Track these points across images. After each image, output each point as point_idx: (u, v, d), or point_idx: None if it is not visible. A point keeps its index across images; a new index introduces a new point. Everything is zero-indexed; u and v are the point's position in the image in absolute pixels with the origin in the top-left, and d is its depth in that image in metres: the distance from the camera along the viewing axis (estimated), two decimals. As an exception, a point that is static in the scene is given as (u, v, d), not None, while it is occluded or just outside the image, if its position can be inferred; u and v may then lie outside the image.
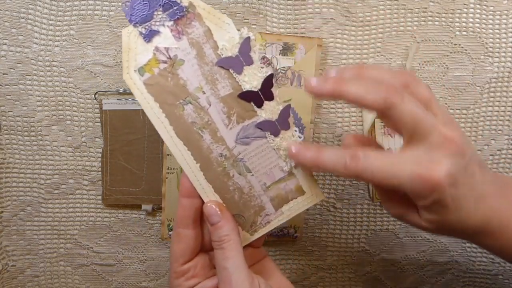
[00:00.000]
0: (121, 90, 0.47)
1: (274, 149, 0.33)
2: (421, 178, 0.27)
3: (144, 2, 0.31)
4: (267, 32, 0.46)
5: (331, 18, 0.47)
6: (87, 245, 0.49)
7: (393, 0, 0.47)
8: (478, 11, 0.47)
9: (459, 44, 0.47)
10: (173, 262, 0.32)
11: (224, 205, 0.33)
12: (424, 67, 0.48)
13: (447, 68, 0.48)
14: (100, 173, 0.48)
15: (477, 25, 0.47)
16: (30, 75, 0.46)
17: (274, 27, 0.47)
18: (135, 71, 0.31)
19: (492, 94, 0.48)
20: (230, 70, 0.31)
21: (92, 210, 0.49)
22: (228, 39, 0.31)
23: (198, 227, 0.33)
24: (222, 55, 0.31)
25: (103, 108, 0.46)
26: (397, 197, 0.32)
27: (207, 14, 0.31)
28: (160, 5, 0.31)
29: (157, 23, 0.31)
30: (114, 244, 0.49)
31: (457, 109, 0.48)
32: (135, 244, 0.50)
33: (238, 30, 0.30)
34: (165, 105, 0.31)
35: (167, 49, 0.31)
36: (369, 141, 0.34)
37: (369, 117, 0.47)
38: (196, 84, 0.31)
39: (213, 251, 0.32)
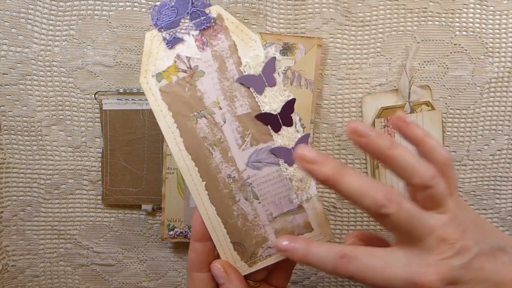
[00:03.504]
0: (121, 90, 0.47)
1: (286, 178, 0.31)
2: (413, 285, 0.26)
3: (172, 8, 0.30)
4: (267, 32, 0.46)
5: (331, 18, 0.47)
6: (87, 245, 0.49)
7: (393, 0, 0.47)
8: (478, 11, 0.47)
9: (459, 44, 0.47)
10: None
11: (232, 265, 0.31)
12: (424, 67, 0.48)
13: (447, 68, 0.48)
14: (100, 173, 0.48)
15: (477, 25, 0.47)
16: (30, 75, 0.46)
17: (274, 27, 0.47)
18: (152, 76, 0.30)
19: (492, 94, 0.48)
20: (251, 88, 0.30)
21: (92, 210, 0.49)
22: (252, 56, 0.30)
23: None
24: (245, 72, 0.30)
25: (103, 108, 0.46)
26: None
27: (234, 28, 0.30)
28: (188, 13, 0.30)
29: (182, 31, 0.30)
30: (114, 244, 0.49)
31: (457, 109, 0.48)
32: (135, 244, 0.50)
33: (265, 49, 0.30)
34: (178, 116, 0.30)
35: (188, 58, 0.30)
36: (372, 239, 0.33)
37: (369, 117, 0.47)
38: (214, 98, 0.30)
39: None
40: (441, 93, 0.48)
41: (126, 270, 0.50)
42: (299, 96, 0.45)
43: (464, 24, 0.47)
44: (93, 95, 0.47)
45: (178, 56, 0.30)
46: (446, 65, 0.48)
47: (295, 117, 0.31)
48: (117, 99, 0.47)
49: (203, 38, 0.30)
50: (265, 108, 0.30)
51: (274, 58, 0.30)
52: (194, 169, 0.30)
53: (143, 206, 0.48)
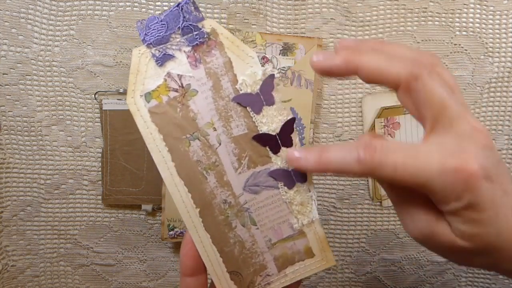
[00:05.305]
0: (121, 90, 0.47)
1: (286, 202, 0.29)
2: (454, 171, 0.22)
3: (162, 23, 0.28)
4: (267, 32, 0.46)
5: (331, 18, 0.47)
6: (87, 245, 0.49)
7: (393, 0, 0.47)
8: (478, 11, 0.47)
9: (459, 44, 0.47)
10: None
11: None
12: (424, 67, 0.48)
13: (447, 68, 0.48)
14: (100, 173, 0.48)
15: (477, 25, 0.47)
16: (30, 75, 0.46)
17: (274, 27, 0.47)
18: (141, 96, 0.28)
19: (492, 94, 0.48)
20: (248, 108, 0.28)
21: (92, 210, 0.49)
22: (249, 73, 0.28)
23: None
24: (241, 90, 0.28)
25: (103, 108, 0.46)
26: (419, 204, 0.26)
27: (230, 44, 0.28)
28: (179, 27, 0.28)
29: (173, 47, 0.28)
30: (114, 244, 0.49)
31: (457, 109, 0.48)
32: (135, 244, 0.50)
33: (263, 66, 0.29)
34: (170, 138, 0.28)
35: (180, 76, 0.28)
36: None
37: (369, 117, 0.47)
38: (208, 119, 0.28)
39: None
40: (441, 93, 0.48)
41: (126, 270, 0.50)
42: (299, 96, 0.45)
43: (464, 24, 0.47)
44: (93, 95, 0.47)
45: (168, 74, 0.28)
46: (446, 65, 0.48)
47: (295, 137, 0.29)
48: (117, 99, 0.47)
49: (195, 54, 0.28)
50: (263, 129, 0.29)
51: (273, 75, 0.28)
52: (187, 196, 0.28)
53: (143, 206, 0.48)
